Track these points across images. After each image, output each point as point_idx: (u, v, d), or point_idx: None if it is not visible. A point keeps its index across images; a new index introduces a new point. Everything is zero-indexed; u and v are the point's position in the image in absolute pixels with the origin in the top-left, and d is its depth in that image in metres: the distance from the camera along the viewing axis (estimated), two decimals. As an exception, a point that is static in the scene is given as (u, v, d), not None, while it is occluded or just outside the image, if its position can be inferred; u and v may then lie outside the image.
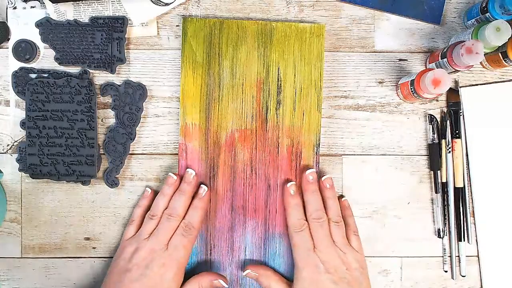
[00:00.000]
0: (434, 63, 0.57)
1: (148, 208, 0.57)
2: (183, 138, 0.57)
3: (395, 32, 0.60)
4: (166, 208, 0.55)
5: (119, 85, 0.58)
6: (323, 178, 0.57)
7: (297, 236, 0.54)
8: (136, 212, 0.57)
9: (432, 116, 0.59)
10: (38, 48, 0.58)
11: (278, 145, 0.57)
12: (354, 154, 0.60)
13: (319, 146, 0.58)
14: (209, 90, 0.57)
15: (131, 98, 0.58)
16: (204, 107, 0.57)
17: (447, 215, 0.59)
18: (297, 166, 0.58)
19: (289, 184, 0.56)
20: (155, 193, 0.58)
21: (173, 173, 0.57)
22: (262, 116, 0.57)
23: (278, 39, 0.57)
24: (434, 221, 0.60)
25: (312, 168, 0.57)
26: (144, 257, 0.53)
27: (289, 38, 0.57)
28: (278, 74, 0.57)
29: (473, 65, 0.53)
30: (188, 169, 0.56)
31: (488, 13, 0.54)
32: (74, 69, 0.58)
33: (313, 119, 0.58)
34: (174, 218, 0.54)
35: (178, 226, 0.54)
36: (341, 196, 0.59)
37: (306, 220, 0.55)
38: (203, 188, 0.56)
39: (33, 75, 0.58)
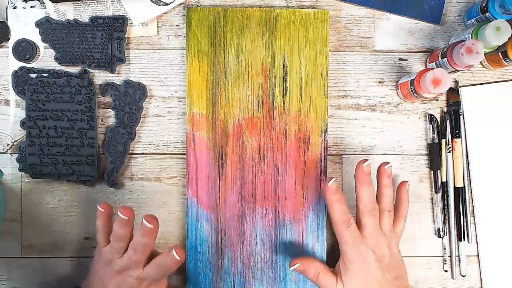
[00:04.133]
0: (434, 63, 0.57)
1: (108, 224, 0.53)
2: (191, 128, 0.57)
3: (395, 31, 0.60)
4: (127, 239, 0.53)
5: (119, 85, 0.58)
6: (386, 167, 0.55)
7: (347, 232, 0.53)
8: (99, 238, 0.53)
9: (432, 116, 0.59)
10: (38, 48, 0.58)
11: (286, 132, 0.58)
12: (354, 154, 0.60)
13: (326, 131, 0.58)
14: (215, 79, 0.57)
15: (131, 98, 0.58)
16: (211, 96, 0.57)
17: (447, 215, 0.59)
18: (305, 152, 0.58)
19: (331, 182, 0.53)
20: (109, 209, 0.53)
21: (102, 205, 0.53)
22: (269, 103, 0.58)
23: (283, 25, 0.58)
24: (434, 221, 0.60)
25: (368, 160, 0.54)
26: (120, 272, 0.52)
27: (293, 24, 0.58)
28: (284, 61, 0.58)
29: (473, 65, 0.53)
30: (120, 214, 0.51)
31: (488, 13, 0.54)
32: (74, 69, 0.58)
33: (320, 105, 0.58)
34: (123, 250, 0.52)
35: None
36: (405, 181, 0.57)
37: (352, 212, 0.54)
38: (146, 225, 0.51)
39: (33, 75, 0.58)
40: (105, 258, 0.53)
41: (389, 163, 0.55)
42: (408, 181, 0.57)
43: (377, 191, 0.55)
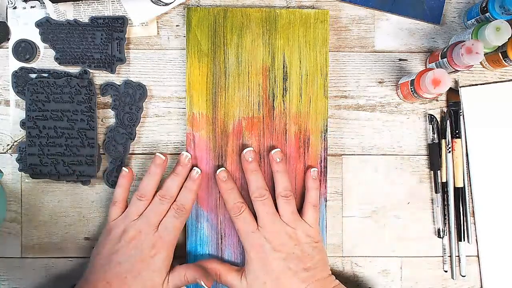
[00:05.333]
0: (434, 63, 0.57)
1: (128, 188, 0.56)
2: (191, 128, 0.57)
3: (395, 32, 0.60)
4: (154, 188, 0.55)
5: (119, 85, 0.58)
6: (272, 152, 0.55)
7: (237, 220, 0.54)
8: (118, 192, 0.56)
9: (432, 116, 0.59)
10: (38, 48, 0.58)
11: (286, 132, 0.58)
12: (354, 154, 0.60)
13: (326, 131, 0.58)
14: (215, 79, 0.57)
15: (131, 98, 0.58)
16: (211, 96, 0.57)
17: (447, 215, 0.59)
18: (305, 152, 0.58)
19: (218, 171, 0.56)
20: (133, 172, 0.57)
21: (160, 153, 0.56)
22: (269, 104, 0.58)
23: (283, 25, 0.58)
24: (434, 221, 0.60)
25: (250, 147, 0.56)
26: (133, 238, 0.52)
27: (293, 25, 0.58)
28: (284, 61, 0.58)
29: (473, 65, 0.53)
30: (183, 152, 0.56)
31: (488, 13, 0.54)
32: (74, 69, 0.58)
33: (320, 105, 0.58)
34: (167, 200, 0.54)
35: (169, 208, 0.54)
36: (310, 167, 0.57)
37: (244, 201, 0.55)
38: (196, 170, 0.56)
39: (33, 75, 0.58)
40: (117, 231, 0.53)
41: (276, 148, 0.56)
42: (315, 168, 0.56)
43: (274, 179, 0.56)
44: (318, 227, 0.55)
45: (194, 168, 0.56)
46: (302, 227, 0.54)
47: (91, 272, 0.52)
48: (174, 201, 0.55)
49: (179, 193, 0.55)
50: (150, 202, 0.55)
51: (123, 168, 0.56)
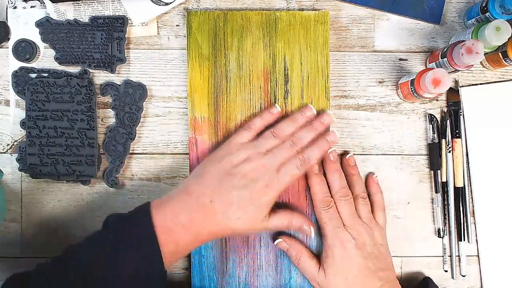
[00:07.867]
0: (434, 63, 0.57)
1: (267, 125, 0.56)
2: (193, 132, 0.57)
3: (395, 31, 0.60)
4: (291, 132, 0.54)
5: (119, 85, 0.58)
6: (347, 156, 0.57)
7: (326, 214, 0.54)
8: (258, 121, 0.55)
9: (432, 116, 0.59)
10: (38, 48, 0.58)
11: None
12: (354, 154, 0.60)
13: None
14: (217, 83, 0.57)
15: (131, 98, 0.58)
16: (212, 100, 0.57)
17: (447, 215, 0.59)
18: None
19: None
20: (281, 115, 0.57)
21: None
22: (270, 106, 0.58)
23: (283, 28, 0.58)
24: (434, 221, 0.60)
25: (333, 148, 0.56)
26: (253, 170, 0.51)
27: (293, 27, 0.58)
28: (285, 63, 0.58)
29: (473, 65, 0.53)
30: (276, 105, 0.57)
31: (488, 13, 0.54)
32: (74, 69, 0.58)
33: (322, 107, 0.58)
34: (296, 149, 0.53)
35: (294, 155, 0.53)
36: (371, 173, 0.59)
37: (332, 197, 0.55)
38: (334, 132, 0.55)
39: (33, 75, 0.58)
40: (240, 156, 0.52)
41: (350, 152, 0.58)
42: (374, 173, 0.59)
43: (347, 182, 0.56)
44: (385, 230, 0.57)
45: (333, 131, 0.55)
46: (377, 228, 0.55)
47: (195, 182, 0.51)
48: (302, 152, 0.54)
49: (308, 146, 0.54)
50: (280, 144, 0.53)
51: (276, 105, 0.56)
